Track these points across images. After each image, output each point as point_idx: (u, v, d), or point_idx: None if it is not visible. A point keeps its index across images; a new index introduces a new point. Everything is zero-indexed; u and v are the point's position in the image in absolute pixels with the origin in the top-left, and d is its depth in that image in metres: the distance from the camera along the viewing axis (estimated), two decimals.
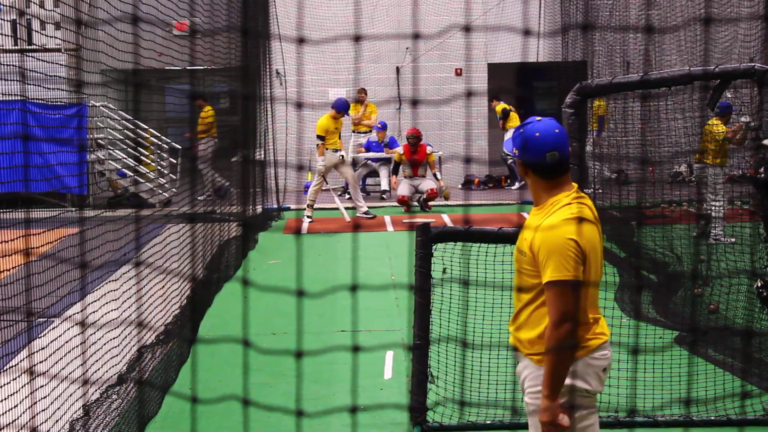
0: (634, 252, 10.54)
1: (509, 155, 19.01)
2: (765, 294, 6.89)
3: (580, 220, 3.77)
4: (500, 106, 19.84)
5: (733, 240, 9.31)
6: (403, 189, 17.25)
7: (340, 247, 13.30)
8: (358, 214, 15.61)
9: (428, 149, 17.46)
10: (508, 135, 18.65)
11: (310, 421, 6.02)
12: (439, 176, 17.34)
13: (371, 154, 18.93)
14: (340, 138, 15.52)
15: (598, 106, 14.39)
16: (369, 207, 16.23)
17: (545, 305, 3.80)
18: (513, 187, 19.77)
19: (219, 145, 16.25)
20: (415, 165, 17.30)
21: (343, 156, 15.28)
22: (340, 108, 15.14)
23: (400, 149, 17.62)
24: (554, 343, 3.71)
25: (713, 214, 11.08)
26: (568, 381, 3.79)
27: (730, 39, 13.12)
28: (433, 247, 5.86)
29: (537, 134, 3.84)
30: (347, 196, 18.90)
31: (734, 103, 11.58)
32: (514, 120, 19.29)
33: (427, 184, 17.18)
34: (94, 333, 5.31)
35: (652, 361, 6.41)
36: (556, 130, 3.86)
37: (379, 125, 18.94)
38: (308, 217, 15.33)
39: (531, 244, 3.81)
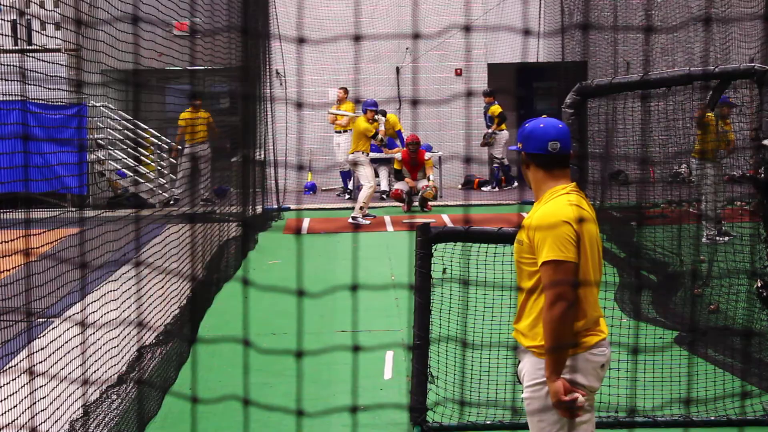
0: (634, 252, 10.54)
1: (497, 159, 19.05)
2: (765, 294, 6.88)
3: (578, 207, 3.87)
4: (498, 108, 19.61)
5: (727, 239, 9.28)
6: (399, 184, 17.27)
7: (340, 247, 13.29)
8: (354, 215, 15.38)
9: (426, 155, 17.43)
10: (503, 136, 18.28)
11: (310, 421, 6.02)
12: (432, 178, 17.28)
13: (371, 155, 18.83)
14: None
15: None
16: (369, 207, 16.10)
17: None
18: (484, 188, 19.69)
19: (213, 148, 16.02)
20: (414, 170, 17.29)
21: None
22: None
23: (398, 156, 17.60)
24: (550, 323, 3.77)
25: (709, 213, 11.03)
26: (567, 376, 3.83)
27: (730, 39, 13.10)
28: (433, 247, 5.86)
29: (541, 125, 4.03)
30: (347, 197, 18.87)
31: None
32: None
33: (424, 182, 17.19)
34: (94, 333, 5.31)
35: (652, 361, 6.41)
36: (560, 125, 4.05)
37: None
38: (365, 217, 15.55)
39: (528, 230, 3.90)
